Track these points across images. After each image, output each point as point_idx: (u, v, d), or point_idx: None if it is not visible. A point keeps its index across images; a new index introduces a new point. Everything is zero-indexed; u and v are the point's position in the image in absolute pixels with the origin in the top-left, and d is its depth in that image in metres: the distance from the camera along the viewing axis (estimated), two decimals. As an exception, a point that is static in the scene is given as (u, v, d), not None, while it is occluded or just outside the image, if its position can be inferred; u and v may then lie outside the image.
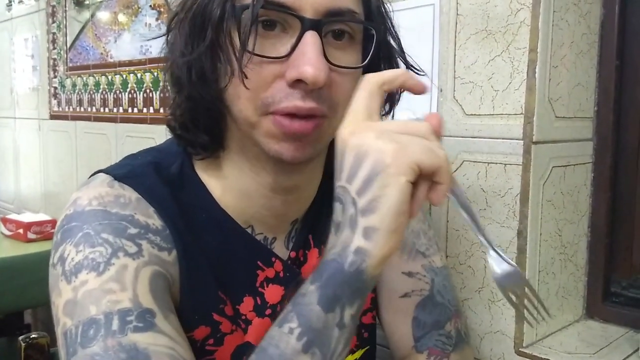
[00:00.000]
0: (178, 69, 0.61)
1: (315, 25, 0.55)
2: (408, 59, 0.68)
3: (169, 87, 0.65)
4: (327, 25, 0.57)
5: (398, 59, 0.67)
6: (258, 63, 0.56)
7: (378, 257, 0.47)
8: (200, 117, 0.62)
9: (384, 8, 0.65)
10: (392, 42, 0.66)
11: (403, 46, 0.68)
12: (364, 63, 0.61)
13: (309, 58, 0.54)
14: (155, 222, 0.61)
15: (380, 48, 0.63)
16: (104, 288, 0.54)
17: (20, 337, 0.87)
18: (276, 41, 0.57)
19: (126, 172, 0.63)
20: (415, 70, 0.68)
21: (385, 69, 0.62)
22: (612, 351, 0.84)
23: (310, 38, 0.55)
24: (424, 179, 0.48)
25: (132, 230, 0.59)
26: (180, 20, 0.60)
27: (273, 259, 0.68)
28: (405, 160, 0.46)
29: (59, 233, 0.60)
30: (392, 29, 0.66)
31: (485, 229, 0.54)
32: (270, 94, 0.57)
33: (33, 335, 0.87)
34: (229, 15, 0.56)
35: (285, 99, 0.56)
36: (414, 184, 0.47)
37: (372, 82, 0.51)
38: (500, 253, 0.54)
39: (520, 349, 0.85)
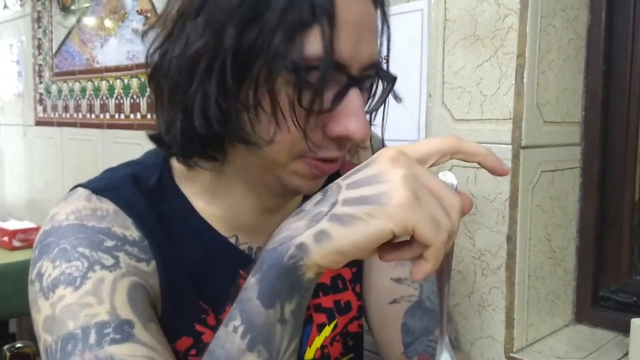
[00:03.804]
0: (191, 99, 0.54)
1: (359, 82, 0.55)
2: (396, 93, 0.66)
3: (155, 98, 0.60)
4: (364, 82, 0.57)
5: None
6: (300, 111, 0.53)
7: (316, 263, 0.45)
8: (203, 143, 0.58)
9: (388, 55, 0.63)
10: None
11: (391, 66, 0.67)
12: (372, 109, 0.62)
13: (356, 117, 0.54)
14: (133, 233, 0.60)
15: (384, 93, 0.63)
16: (81, 302, 0.53)
17: (6, 347, 0.85)
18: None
19: (104, 185, 0.63)
20: (395, 97, 0.66)
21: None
22: (602, 355, 0.84)
23: (356, 95, 0.54)
24: (418, 245, 0.45)
25: (109, 243, 0.58)
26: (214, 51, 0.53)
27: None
28: (406, 215, 0.42)
29: (36, 249, 0.59)
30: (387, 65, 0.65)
31: (448, 327, 0.53)
32: (309, 143, 0.55)
33: (18, 345, 0.86)
34: (291, 70, 0.51)
35: (325, 150, 0.57)
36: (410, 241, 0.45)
37: (455, 146, 0.47)
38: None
39: (510, 354, 0.85)
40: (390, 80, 0.62)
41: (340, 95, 0.54)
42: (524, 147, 0.83)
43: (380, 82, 0.62)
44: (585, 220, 0.95)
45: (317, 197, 0.47)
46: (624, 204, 0.94)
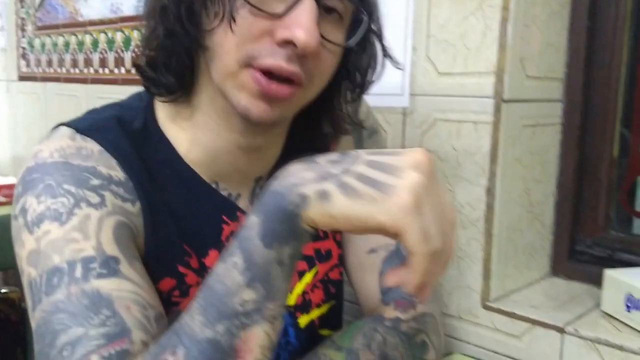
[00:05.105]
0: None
1: None
2: (387, 49, 0.67)
3: (146, 18, 0.62)
4: None
5: (378, 44, 0.67)
6: (250, 14, 0.55)
7: (310, 218, 0.46)
8: (174, 57, 0.61)
9: None
10: (375, 29, 0.66)
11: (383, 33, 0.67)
12: (350, 43, 0.61)
13: (304, 22, 0.54)
14: (118, 174, 0.61)
15: (365, 35, 0.63)
16: (67, 237, 0.54)
17: (-10, 292, 0.86)
18: None
19: (88, 125, 0.63)
20: (393, 63, 0.68)
21: (364, 52, 0.65)
22: (575, 306, 0.86)
23: (309, 4, 0.55)
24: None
25: (95, 182, 0.58)
26: None
27: (238, 214, 0.69)
28: (401, 217, 0.44)
29: (20, 185, 0.59)
30: (378, 18, 0.66)
31: None
32: (256, 47, 0.56)
33: (4, 290, 0.87)
34: None
35: (271, 56, 0.56)
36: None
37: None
38: None
39: (486, 303, 0.87)
40: (368, 18, 0.62)
41: (294, 3, 0.55)
42: (506, 101, 0.83)
43: (364, 20, 0.62)
44: (564, 175, 0.96)
45: (334, 155, 0.49)
46: (602, 161, 0.95)
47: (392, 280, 0.48)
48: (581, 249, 0.97)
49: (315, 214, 0.46)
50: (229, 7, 0.55)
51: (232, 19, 0.55)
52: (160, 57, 0.61)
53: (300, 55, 0.56)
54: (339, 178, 0.46)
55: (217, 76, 0.59)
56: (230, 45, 0.57)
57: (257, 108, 0.58)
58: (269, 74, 0.57)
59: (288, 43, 0.55)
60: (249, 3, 0.55)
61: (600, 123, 0.95)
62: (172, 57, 0.61)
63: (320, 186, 0.46)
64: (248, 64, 0.57)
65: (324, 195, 0.45)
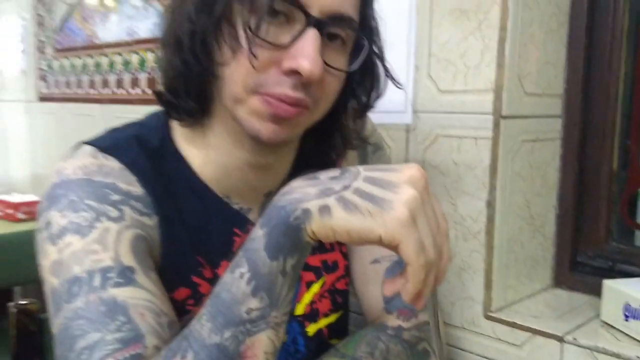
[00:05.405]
0: (181, 32, 0.62)
1: (319, 24, 0.59)
2: (389, 70, 0.71)
3: (162, 49, 0.66)
4: (328, 27, 0.60)
5: (380, 66, 0.70)
6: (258, 46, 0.59)
7: (312, 230, 0.49)
8: (192, 83, 0.64)
9: (375, 21, 0.69)
10: (377, 52, 0.70)
11: (384, 54, 0.71)
12: (352, 68, 0.65)
13: (308, 53, 0.58)
14: (137, 189, 0.64)
15: (368, 59, 0.67)
16: (87, 249, 0.58)
17: (11, 304, 0.90)
18: (278, 30, 0.59)
19: (109, 143, 0.67)
20: (395, 82, 0.72)
21: (367, 74, 0.69)
22: (575, 316, 0.88)
23: (312, 35, 0.58)
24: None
25: (115, 197, 0.62)
26: None
27: (249, 226, 0.72)
28: (397, 230, 0.47)
29: (45, 200, 0.63)
30: (379, 42, 0.70)
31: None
32: (263, 77, 0.60)
33: (23, 302, 0.90)
34: None
35: (277, 85, 0.60)
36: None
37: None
38: None
39: (488, 313, 0.89)
40: (369, 42, 0.65)
41: (298, 35, 0.59)
42: (504, 117, 0.86)
43: (365, 46, 0.65)
44: (565, 188, 0.99)
45: (335, 172, 0.52)
46: (602, 174, 0.97)
47: (390, 289, 0.52)
48: (583, 260, 0.99)
49: (317, 227, 0.49)
50: (238, 41, 0.59)
51: (253, 55, 0.58)
52: (179, 84, 0.65)
53: (305, 83, 0.60)
54: (340, 194, 0.49)
55: (228, 102, 0.63)
56: (239, 75, 0.61)
57: (266, 130, 0.62)
58: (278, 99, 0.60)
59: (294, 72, 0.59)
60: (257, 36, 0.58)
61: (600, 137, 0.97)
62: (190, 85, 0.64)
63: (321, 201, 0.49)
64: (256, 91, 0.61)
65: (325, 210, 0.49)
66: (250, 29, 0.58)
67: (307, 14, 0.58)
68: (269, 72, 0.60)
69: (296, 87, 0.60)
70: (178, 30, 0.62)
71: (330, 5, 0.59)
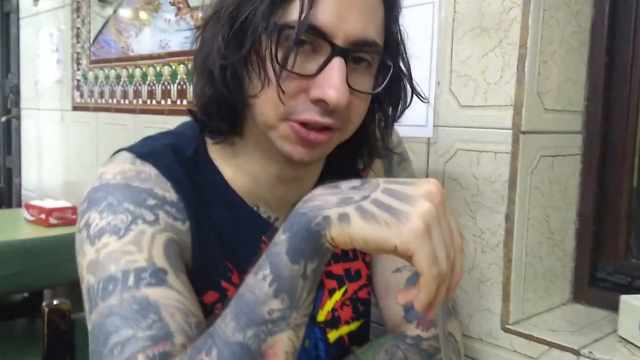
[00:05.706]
0: (212, 65, 0.65)
1: (344, 52, 0.62)
2: (415, 85, 0.74)
3: (195, 76, 0.70)
4: (353, 54, 0.63)
5: (406, 85, 0.73)
6: (285, 78, 0.62)
7: (331, 236, 0.52)
8: (224, 109, 0.68)
9: (401, 36, 0.71)
10: (403, 69, 0.72)
11: (412, 72, 0.73)
12: (378, 90, 0.68)
13: (334, 83, 0.60)
14: (172, 195, 0.68)
15: (393, 76, 0.69)
16: (123, 250, 0.61)
17: (44, 303, 0.94)
18: (304, 59, 0.62)
19: (147, 151, 0.70)
20: (420, 97, 0.74)
21: (394, 94, 0.71)
22: (593, 330, 0.89)
23: (338, 64, 0.61)
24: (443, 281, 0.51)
25: (151, 202, 0.66)
26: (219, 19, 0.65)
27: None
28: (413, 241, 0.50)
29: (85, 202, 0.67)
30: (405, 57, 0.72)
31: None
32: (292, 104, 0.63)
33: (55, 302, 0.94)
34: (272, 31, 0.61)
35: (306, 112, 0.63)
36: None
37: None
38: None
39: (506, 326, 0.90)
40: (394, 61, 0.68)
41: (324, 64, 0.61)
42: (524, 132, 0.88)
43: (396, 70, 0.68)
44: (584, 204, 1.00)
45: (356, 182, 0.55)
46: (622, 190, 0.98)
47: (403, 297, 0.54)
48: (602, 276, 1.00)
49: (336, 234, 0.52)
50: (267, 74, 0.62)
51: (281, 89, 0.61)
52: (212, 109, 0.68)
53: (332, 110, 0.63)
54: (359, 203, 0.52)
55: (260, 127, 0.67)
56: (270, 104, 0.63)
57: (298, 153, 0.65)
58: (305, 124, 0.64)
59: (321, 101, 0.62)
60: (285, 69, 0.61)
61: (620, 154, 0.98)
62: (223, 111, 0.68)
63: (341, 210, 0.52)
64: (286, 118, 0.64)
65: (344, 218, 0.52)
66: (278, 62, 0.60)
67: (332, 44, 0.61)
68: (298, 100, 0.63)
69: (324, 114, 0.63)
70: (210, 63, 0.65)
71: (354, 33, 0.62)
